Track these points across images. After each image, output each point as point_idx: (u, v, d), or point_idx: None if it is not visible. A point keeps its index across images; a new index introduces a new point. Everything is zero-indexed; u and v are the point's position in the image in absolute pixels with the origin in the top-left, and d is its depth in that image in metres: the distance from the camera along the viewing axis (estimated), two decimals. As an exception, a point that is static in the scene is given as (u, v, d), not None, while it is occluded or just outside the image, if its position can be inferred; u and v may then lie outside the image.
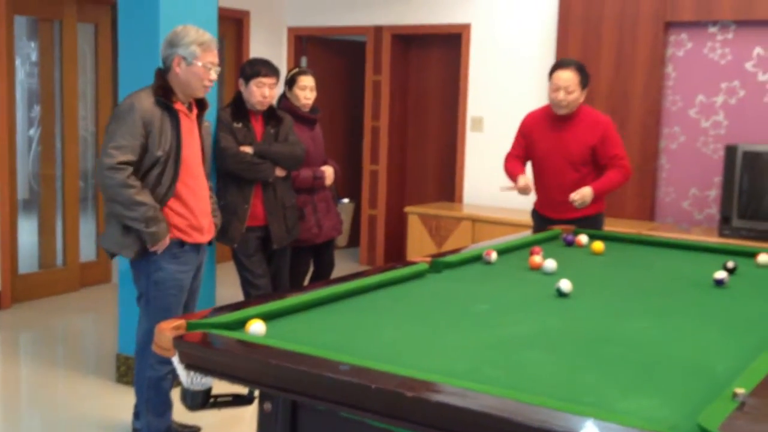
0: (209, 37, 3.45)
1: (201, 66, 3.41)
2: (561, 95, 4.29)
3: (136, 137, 3.33)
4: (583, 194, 4.29)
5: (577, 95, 4.32)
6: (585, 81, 4.35)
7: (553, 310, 2.79)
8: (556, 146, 4.41)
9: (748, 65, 5.83)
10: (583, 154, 4.41)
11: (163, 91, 3.41)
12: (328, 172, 4.81)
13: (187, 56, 3.39)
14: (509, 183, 4.61)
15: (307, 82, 4.73)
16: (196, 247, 3.60)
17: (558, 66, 4.39)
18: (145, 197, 3.34)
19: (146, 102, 3.37)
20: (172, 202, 3.46)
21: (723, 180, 5.59)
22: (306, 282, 4.93)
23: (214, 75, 3.47)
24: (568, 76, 4.29)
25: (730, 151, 5.53)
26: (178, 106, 3.44)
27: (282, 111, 4.62)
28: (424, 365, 2.09)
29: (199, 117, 3.61)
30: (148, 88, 3.45)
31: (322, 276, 4.95)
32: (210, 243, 3.75)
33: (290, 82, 4.75)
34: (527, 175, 4.50)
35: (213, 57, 3.45)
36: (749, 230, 5.47)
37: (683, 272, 3.53)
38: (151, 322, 3.54)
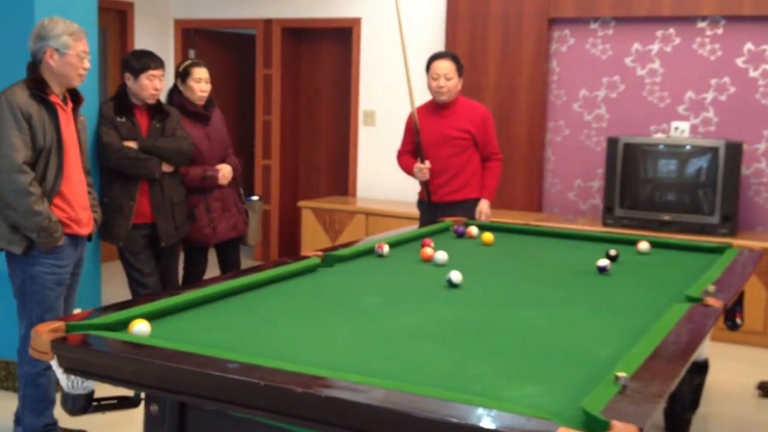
0: (77, 27, 3.46)
1: (74, 55, 3.40)
2: (441, 82, 4.61)
3: (24, 131, 3.28)
4: (484, 212, 4.70)
5: (455, 82, 4.65)
6: (461, 70, 4.70)
7: (443, 301, 2.82)
8: (438, 131, 4.69)
9: (628, 60, 6.05)
10: (462, 136, 4.70)
11: (37, 84, 3.36)
12: (224, 170, 4.59)
13: (60, 47, 3.37)
14: (410, 179, 4.95)
15: (201, 74, 4.57)
16: (75, 240, 3.52)
17: (435, 57, 4.73)
18: (43, 206, 3.30)
19: (21, 96, 3.31)
20: None
21: (605, 171, 5.79)
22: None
23: (87, 63, 3.48)
24: (446, 65, 4.63)
25: (612, 143, 5.73)
26: (53, 98, 3.40)
27: (169, 106, 4.48)
28: (314, 360, 2.07)
29: (75, 111, 3.56)
30: (21, 83, 3.38)
31: None
32: (90, 238, 3.67)
33: (183, 75, 4.57)
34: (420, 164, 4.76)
35: (84, 46, 3.46)
36: (631, 219, 5.69)
37: (569, 261, 3.64)
38: (30, 319, 3.45)
